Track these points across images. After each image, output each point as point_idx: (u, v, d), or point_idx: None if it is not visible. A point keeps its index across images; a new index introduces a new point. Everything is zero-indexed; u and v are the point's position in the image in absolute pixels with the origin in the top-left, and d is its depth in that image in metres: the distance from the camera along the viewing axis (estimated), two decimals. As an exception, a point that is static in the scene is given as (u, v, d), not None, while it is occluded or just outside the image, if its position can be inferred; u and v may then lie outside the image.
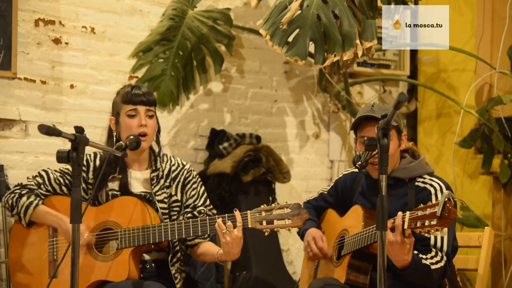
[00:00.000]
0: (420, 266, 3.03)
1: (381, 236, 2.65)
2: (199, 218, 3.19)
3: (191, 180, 3.41)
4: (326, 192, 3.59)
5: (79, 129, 2.72)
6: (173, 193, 3.37)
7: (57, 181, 3.37)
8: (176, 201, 3.37)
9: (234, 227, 3.08)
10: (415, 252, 3.06)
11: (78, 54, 4.39)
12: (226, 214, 3.14)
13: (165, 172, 3.39)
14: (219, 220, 3.10)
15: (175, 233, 3.17)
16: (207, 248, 3.32)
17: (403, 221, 2.91)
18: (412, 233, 3.05)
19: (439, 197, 3.12)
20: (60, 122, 4.29)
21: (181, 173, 3.41)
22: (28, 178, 3.42)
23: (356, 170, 3.31)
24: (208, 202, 3.43)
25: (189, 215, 3.34)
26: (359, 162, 3.19)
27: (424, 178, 3.24)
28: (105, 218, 3.28)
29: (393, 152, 3.19)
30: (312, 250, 3.43)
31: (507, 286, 4.62)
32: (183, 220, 3.21)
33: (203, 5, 4.78)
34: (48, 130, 2.62)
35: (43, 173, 3.39)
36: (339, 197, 3.52)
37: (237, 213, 3.10)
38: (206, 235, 3.32)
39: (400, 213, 2.93)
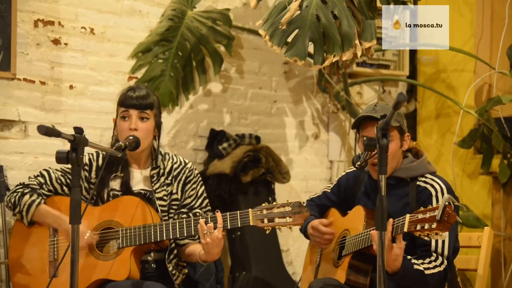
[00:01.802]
0: (411, 272, 3.02)
1: (381, 237, 2.65)
2: (199, 217, 3.21)
3: (192, 179, 3.42)
4: (329, 191, 3.58)
5: (79, 130, 2.72)
6: (174, 191, 3.38)
7: (58, 180, 3.38)
8: (176, 199, 3.38)
9: (215, 228, 3.09)
10: (408, 257, 3.05)
11: (78, 54, 4.39)
12: (209, 215, 3.15)
13: (167, 170, 3.39)
14: (201, 221, 3.11)
15: (176, 231, 3.18)
16: (193, 249, 3.33)
17: (398, 226, 2.92)
18: (413, 239, 3.05)
19: (439, 199, 3.12)
20: (60, 122, 4.29)
21: (182, 171, 3.42)
22: (30, 177, 3.42)
23: None
24: (205, 203, 3.43)
25: (184, 215, 3.34)
26: (358, 162, 3.19)
27: (426, 178, 3.23)
28: (106, 217, 3.28)
29: (394, 152, 3.18)
30: (315, 238, 3.43)
31: (506, 286, 4.62)
32: (184, 219, 3.22)
33: (202, 5, 4.78)
34: (48, 131, 2.62)
35: (45, 173, 3.40)
36: (342, 195, 3.52)
37: (218, 214, 3.12)
38: (196, 237, 3.33)
39: (390, 220, 2.93)
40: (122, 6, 4.56)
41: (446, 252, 3.09)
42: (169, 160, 3.42)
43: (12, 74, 4.11)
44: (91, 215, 3.26)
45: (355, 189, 3.45)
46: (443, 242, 3.09)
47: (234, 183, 4.71)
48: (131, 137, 3.25)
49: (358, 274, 3.21)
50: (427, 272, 3.04)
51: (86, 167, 3.37)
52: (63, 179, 3.38)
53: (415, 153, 3.35)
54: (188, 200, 3.39)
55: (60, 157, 2.70)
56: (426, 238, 2.87)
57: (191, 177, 3.42)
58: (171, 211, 3.36)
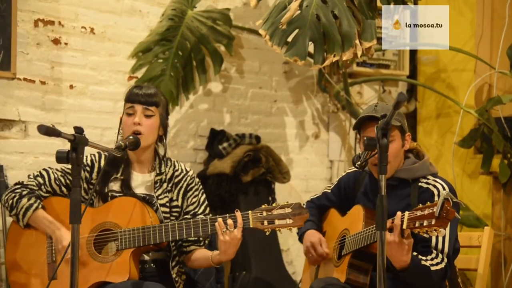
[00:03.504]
0: (419, 268, 3.02)
1: (381, 236, 2.65)
2: (199, 218, 3.20)
3: (193, 187, 3.41)
4: (329, 191, 3.58)
5: (79, 130, 2.72)
6: (174, 198, 3.37)
7: (57, 181, 3.36)
8: (177, 206, 3.37)
9: (235, 226, 3.09)
10: (415, 253, 3.05)
11: (78, 54, 4.39)
12: (228, 214, 3.15)
13: (168, 177, 3.39)
14: (220, 219, 3.11)
15: (176, 233, 3.17)
16: (202, 253, 3.33)
17: (402, 221, 2.91)
18: (412, 234, 3.05)
19: None
20: (60, 122, 4.29)
21: (184, 179, 3.41)
22: (29, 176, 3.40)
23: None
24: (207, 210, 3.43)
25: None
26: (359, 162, 3.18)
27: (428, 179, 3.23)
28: (104, 219, 3.27)
29: (396, 152, 3.18)
30: (313, 257, 3.44)
31: (507, 286, 4.62)
32: (183, 221, 3.21)
33: (202, 5, 4.78)
34: (48, 131, 2.62)
35: (44, 173, 3.38)
36: (342, 196, 3.52)
37: (238, 214, 3.12)
38: (202, 243, 3.33)
39: (399, 213, 2.92)
40: (122, 5, 4.56)
41: (446, 250, 3.09)
42: (170, 166, 3.41)
43: (12, 74, 4.11)
44: (88, 216, 3.23)
45: (355, 189, 3.45)
46: (443, 239, 3.09)
47: (234, 183, 4.71)
48: (131, 137, 3.24)
49: (358, 273, 3.21)
50: (432, 268, 3.04)
51: (88, 168, 3.36)
52: (62, 180, 3.36)
53: (416, 154, 3.34)
54: (191, 208, 3.39)
55: (60, 157, 2.70)
56: (425, 235, 2.87)
57: (193, 184, 3.42)
58: (172, 218, 3.35)
